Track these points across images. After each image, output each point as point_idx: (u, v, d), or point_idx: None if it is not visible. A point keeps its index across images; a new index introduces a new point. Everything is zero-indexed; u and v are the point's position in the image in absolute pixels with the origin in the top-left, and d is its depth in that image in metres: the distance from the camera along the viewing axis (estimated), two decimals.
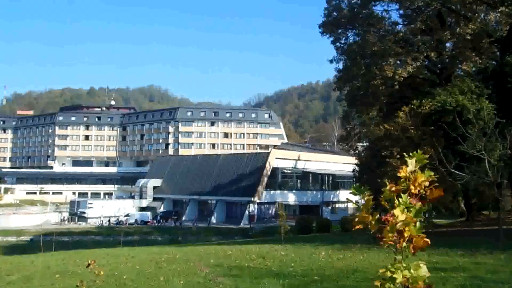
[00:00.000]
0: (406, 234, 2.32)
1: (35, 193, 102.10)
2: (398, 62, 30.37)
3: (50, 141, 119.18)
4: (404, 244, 2.34)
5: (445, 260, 12.91)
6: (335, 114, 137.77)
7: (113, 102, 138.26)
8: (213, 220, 62.12)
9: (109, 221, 64.17)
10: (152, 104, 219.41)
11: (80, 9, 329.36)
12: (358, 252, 15.80)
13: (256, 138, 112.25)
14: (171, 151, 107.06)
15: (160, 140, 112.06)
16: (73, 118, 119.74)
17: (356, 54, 31.25)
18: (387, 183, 2.54)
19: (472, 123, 20.49)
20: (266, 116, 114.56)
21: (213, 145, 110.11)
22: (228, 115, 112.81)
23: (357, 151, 37.68)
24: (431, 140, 23.54)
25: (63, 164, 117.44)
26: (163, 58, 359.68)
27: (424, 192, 2.45)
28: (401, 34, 30.40)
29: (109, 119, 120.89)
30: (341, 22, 32.31)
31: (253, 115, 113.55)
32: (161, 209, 70.20)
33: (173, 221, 63.29)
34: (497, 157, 18.25)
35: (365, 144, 39.05)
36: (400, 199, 2.40)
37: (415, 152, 2.56)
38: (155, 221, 64.00)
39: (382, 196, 2.48)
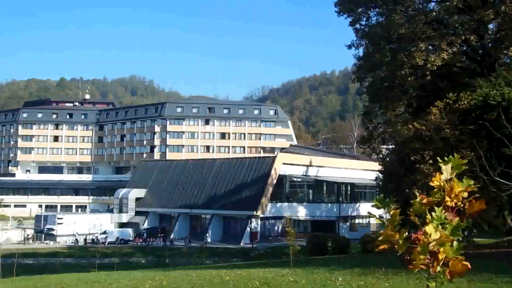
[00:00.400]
0: (440, 256, 2.31)
1: None
2: (430, 47, 30.53)
3: (12, 142, 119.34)
4: (439, 268, 2.33)
5: None
6: (355, 111, 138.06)
7: (87, 96, 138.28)
8: (208, 238, 62.52)
9: (85, 240, 64.72)
10: (134, 99, 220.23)
11: None
12: (383, 278, 15.76)
13: (259, 139, 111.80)
14: (157, 155, 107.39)
15: (144, 142, 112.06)
16: (39, 115, 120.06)
17: (380, 38, 31.47)
18: (417, 194, 2.54)
19: None
20: (272, 112, 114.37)
21: (207, 148, 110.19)
22: (225, 111, 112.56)
23: (380, 155, 37.99)
24: (470, 142, 23.67)
25: (28, 170, 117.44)
26: (147, 44, 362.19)
27: (462, 205, 2.45)
28: (434, 13, 30.66)
29: (82, 117, 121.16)
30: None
31: (256, 112, 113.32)
32: (145, 225, 70.59)
33: (162, 240, 63.35)
34: None
35: (390, 146, 39.43)
36: (433, 214, 2.39)
37: (451, 156, 2.56)
38: (141, 240, 63.91)
39: (411, 210, 2.48)
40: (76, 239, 64.21)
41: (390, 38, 30.79)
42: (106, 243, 61.20)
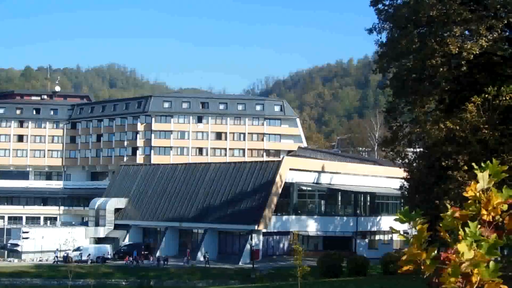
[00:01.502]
0: (474, 279, 2.29)
1: None
2: (466, 32, 30.69)
3: None
4: None
5: None
6: (376, 107, 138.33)
7: (58, 88, 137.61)
8: (200, 256, 62.35)
9: (56, 257, 64.44)
10: (113, 91, 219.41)
11: None
12: None
13: (262, 140, 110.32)
14: (140, 159, 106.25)
15: (125, 143, 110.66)
16: (0, 111, 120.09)
17: (407, 21, 31.71)
18: (449, 206, 2.55)
19: None
20: (277, 108, 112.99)
21: (200, 150, 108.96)
22: (222, 107, 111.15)
23: (406, 160, 38.08)
24: None
25: None
26: (129, 27, 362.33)
27: (500, 220, 2.44)
28: None
29: (52, 112, 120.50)
30: None
31: (258, 108, 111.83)
32: (126, 241, 70.43)
33: (156, 260, 62.20)
34: None
35: (418, 150, 39.48)
36: (466, 229, 2.38)
37: (488, 162, 2.57)
38: (131, 258, 63.05)
39: (441, 225, 2.49)
40: (54, 257, 64.30)
41: (419, 21, 31.05)
42: (79, 261, 60.31)
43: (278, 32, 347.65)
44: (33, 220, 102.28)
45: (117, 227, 72.86)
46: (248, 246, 61.11)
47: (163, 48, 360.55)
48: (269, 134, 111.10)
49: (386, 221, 66.29)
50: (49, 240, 67.90)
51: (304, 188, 68.09)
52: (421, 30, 31.52)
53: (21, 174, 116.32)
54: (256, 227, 61.08)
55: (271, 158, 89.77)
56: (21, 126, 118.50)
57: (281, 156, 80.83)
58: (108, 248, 66.62)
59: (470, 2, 30.64)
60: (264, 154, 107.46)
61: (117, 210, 73.92)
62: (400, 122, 37.69)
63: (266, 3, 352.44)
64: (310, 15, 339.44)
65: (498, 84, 27.78)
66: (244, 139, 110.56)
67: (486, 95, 26.94)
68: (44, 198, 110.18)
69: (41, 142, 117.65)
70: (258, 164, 69.10)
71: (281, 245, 65.25)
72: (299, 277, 22.75)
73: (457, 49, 28.65)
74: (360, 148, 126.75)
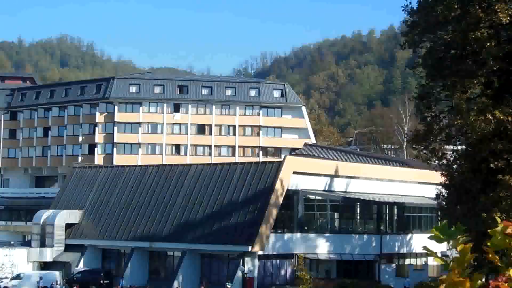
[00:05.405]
0: None
1: None
2: None
3: None
4: None
5: None
6: (405, 92, 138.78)
7: None
8: (176, 285, 62.12)
9: None
10: (65, 72, 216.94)
11: None
12: None
13: (258, 135, 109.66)
14: (99, 159, 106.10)
15: (80, 138, 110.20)
16: None
17: None
18: (499, 220, 2.59)
19: None
20: (277, 94, 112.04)
21: (177, 148, 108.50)
22: (205, 92, 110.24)
23: (444, 161, 38.14)
24: None
25: None
26: None
27: None
28: None
29: None
30: None
31: (253, 93, 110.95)
32: (80, 266, 69.74)
33: None
34: None
35: (459, 147, 39.56)
36: None
37: None
38: None
39: (489, 244, 2.47)
40: None
41: None
42: None
43: None
44: None
45: (68, 248, 71.82)
46: (239, 273, 60.50)
47: (128, 16, 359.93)
48: (267, 127, 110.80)
49: (419, 240, 65.87)
50: None
51: (312, 197, 67.48)
52: None
53: None
54: (249, 249, 60.32)
55: (269, 159, 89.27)
56: None
57: (282, 156, 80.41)
58: (56, 275, 65.84)
59: None
60: (260, 153, 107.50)
61: (68, 226, 72.94)
62: (435, 111, 37.80)
63: None
64: None
65: None
66: (234, 134, 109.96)
67: None
68: None
69: None
70: (252, 166, 68.50)
71: (283, 272, 64.42)
72: None
73: (508, 18, 29.13)
74: (385, 146, 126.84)
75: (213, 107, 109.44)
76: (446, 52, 33.97)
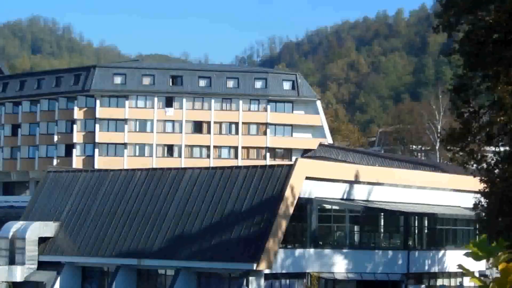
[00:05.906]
0: None
1: None
2: None
3: None
4: None
5: None
6: (438, 83, 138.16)
7: None
8: None
9: None
10: (37, 60, 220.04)
11: None
12: None
13: (265, 134, 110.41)
14: (78, 161, 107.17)
15: (56, 138, 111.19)
16: None
17: None
18: None
19: None
20: (287, 86, 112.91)
21: (170, 149, 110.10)
22: (203, 83, 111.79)
23: (484, 165, 39.07)
24: None
25: None
26: None
27: None
28: None
29: None
30: None
31: (259, 84, 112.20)
32: (56, 287, 68.58)
33: None
34: None
35: (501, 149, 40.58)
36: None
37: None
38: None
39: None
40: None
41: None
42: None
43: None
44: None
45: (42, 265, 69.94)
46: None
47: None
48: (275, 124, 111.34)
49: (453, 257, 63.57)
50: None
51: (328, 207, 65.60)
52: None
53: None
54: (254, 266, 58.86)
55: (277, 162, 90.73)
56: None
57: (293, 158, 77.61)
58: None
59: None
60: (268, 155, 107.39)
61: (42, 241, 70.83)
62: (474, 106, 38.66)
63: None
64: None
65: None
66: (236, 132, 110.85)
67: None
68: None
69: None
70: (257, 170, 66.39)
71: None
72: None
73: None
74: (414, 147, 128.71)
75: (212, 101, 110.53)
76: (487, 36, 34.64)
